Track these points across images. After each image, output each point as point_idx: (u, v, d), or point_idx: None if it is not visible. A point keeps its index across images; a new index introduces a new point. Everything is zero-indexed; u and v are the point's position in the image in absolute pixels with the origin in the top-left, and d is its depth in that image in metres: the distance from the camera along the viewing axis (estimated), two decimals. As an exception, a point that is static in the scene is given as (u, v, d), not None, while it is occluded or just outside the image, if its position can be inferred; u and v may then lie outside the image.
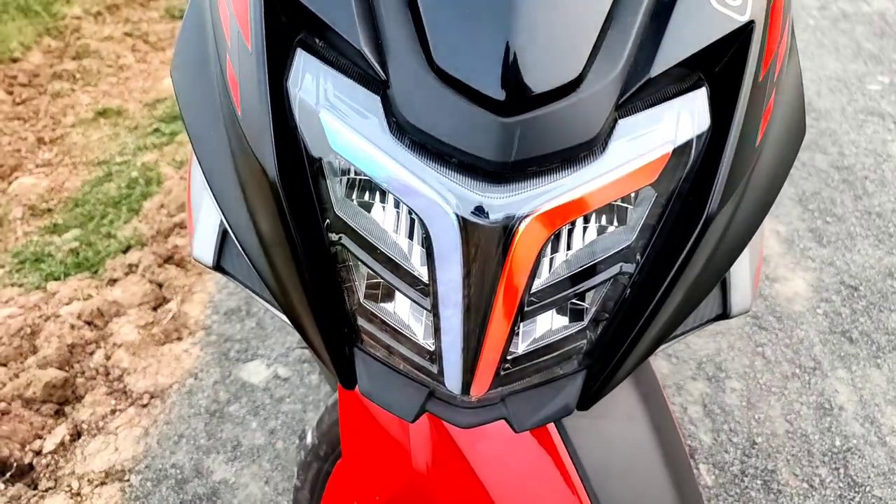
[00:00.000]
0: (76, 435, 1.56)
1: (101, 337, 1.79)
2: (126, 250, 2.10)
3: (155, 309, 1.92)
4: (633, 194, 0.48)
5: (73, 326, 1.79)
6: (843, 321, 1.76)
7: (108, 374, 1.70)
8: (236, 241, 0.60)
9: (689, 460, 0.75)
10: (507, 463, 0.66)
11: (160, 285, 2.00)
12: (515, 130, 0.41)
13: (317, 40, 0.47)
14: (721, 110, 0.47)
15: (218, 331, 1.83)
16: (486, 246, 0.44)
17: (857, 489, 1.39)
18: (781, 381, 1.62)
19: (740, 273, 0.67)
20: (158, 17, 3.62)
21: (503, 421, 0.68)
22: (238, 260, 0.67)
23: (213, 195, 0.60)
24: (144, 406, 1.62)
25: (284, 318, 0.67)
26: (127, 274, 2.02)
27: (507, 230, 0.43)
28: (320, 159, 0.48)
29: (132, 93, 3.02)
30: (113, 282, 1.99)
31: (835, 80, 2.89)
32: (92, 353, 1.75)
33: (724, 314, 0.69)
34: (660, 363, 1.66)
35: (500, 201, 0.43)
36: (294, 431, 1.55)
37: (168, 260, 2.09)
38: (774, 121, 0.53)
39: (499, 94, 0.40)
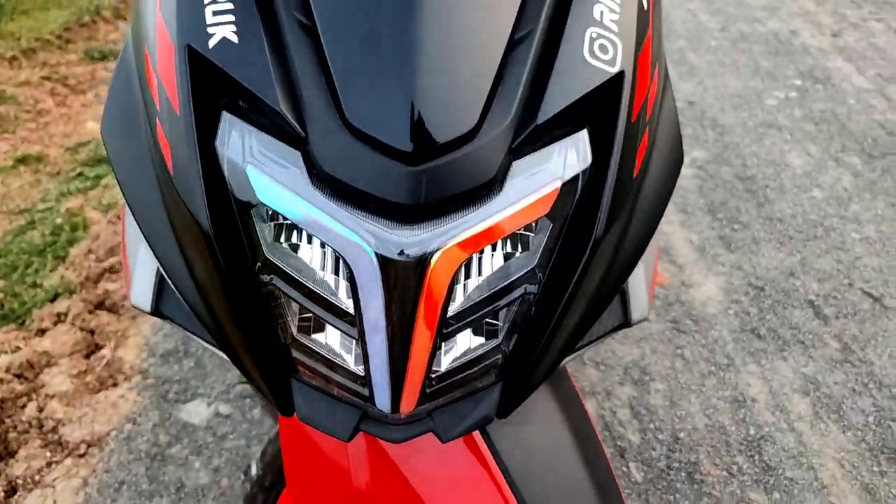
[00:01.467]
0: (11, 491, 1.52)
1: (33, 389, 1.75)
2: (54, 299, 2.06)
3: (87, 356, 1.89)
4: (533, 223, 0.54)
5: (1, 381, 1.74)
6: (752, 319, 1.90)
7: (41, 426, 1.66)
8: (174, 287, 0.64)
9: (608, 460, 0.83)
10: (440, 472, 0.71)
11: (92, 332, 1.97)
12: (423, 177, 0.47)
13: (240, 103, 0.53)
14: (601, 148, 0.54)
15: (155, 373, 1.82)
16: (404, 279, 0.50)
17: (770, 473, 1.51)
18: (700, 379, 1.73)
19: (636, 285, 0.75)
20: (77, 60, 3.57)
21: (433, 434, 0.73)
22: (176, 304, 0.70)
23: (150, 245, 0.64)
24: (82, 456, 1.60)
25: (223, 355, 0.71)
26: (56, 323, 1.98)
27: (422, 263, 0.49)
28: (249, 209, 0.53)
29: (53, 138, 2.96)
30: (42, 332, 1.94)
31: (736, 98, 3.11)
32: (23, 407, 1.71)
33: (626, 322, 0.77)
34: (589, 371, 1.76)
35: (414, 239, 0.49)
36: (239, 467, 1.56)
37: (99, 306, 2.06)
38: (652, 154, 0.61)
39: (406, 147, 0.46)
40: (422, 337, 0.54)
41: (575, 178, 0.53)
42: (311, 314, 0.58)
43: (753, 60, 3.45)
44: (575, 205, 0.55)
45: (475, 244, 0.51)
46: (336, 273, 0.54)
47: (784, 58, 3.45)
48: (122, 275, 2.17)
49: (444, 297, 0.52)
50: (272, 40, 0.51)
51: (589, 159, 0.54)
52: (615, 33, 0.55)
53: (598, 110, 0.54)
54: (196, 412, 1.70)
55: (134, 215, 0.65)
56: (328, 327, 0.58)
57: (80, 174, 2.72)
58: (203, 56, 0.50)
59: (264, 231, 0.54)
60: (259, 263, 0.55)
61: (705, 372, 1.75)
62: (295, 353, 0.60)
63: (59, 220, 2.42)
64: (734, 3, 4.14)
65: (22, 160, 2.78)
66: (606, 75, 0.53)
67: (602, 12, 0.55)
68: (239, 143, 0.52)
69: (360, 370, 0.58)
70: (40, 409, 1.70)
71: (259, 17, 0.51)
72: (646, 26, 0.59)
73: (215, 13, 0.52)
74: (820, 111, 2.95)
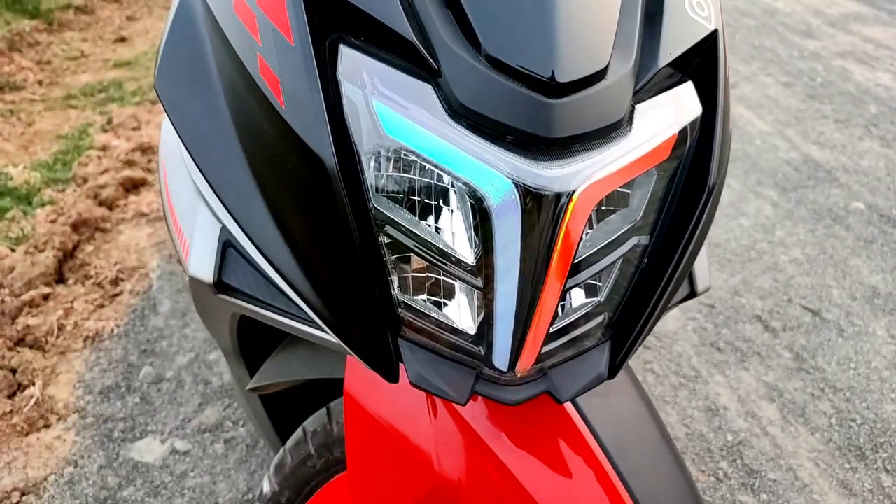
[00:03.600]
0: (-74, 553, 1.28)
1: (-54, 434, 1.51)
2: (-35, 336, 1.81)
3: (11, 397, 1.66)
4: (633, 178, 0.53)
5: None
6: (709, 334, 1.98)
7: (-40, 475, 1.43)
8: (255, 247, 0.58)
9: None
10: (536, 451, 0.66)
11: (13, 371, 1.74)
12: (562, 110, 0.46)
13: (352, 38, 0.50)
14: (706, 99, 0.55)
15: (94, 412, 1.62)
16: (543, 216, 0.47)
17: (754, 475, 1.53)
18: (672, 391, 1.76)
19: (700, 256, 0.75)
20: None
21: (525, 414, 0.69)
22: (242, 271, 0.64)
23: (221, 199, 0.58)
24: (14, 506, 1.38)
25: (300, 325, 0.64)
26: (-31, 362, 1.73)
27: (561, 201, 0.47)
28: (364, 149, 0.49)
29: (-51, 166, 2.67)
30: (-47, 371, 1.70)
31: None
32: (-64, 454, 1.46)
33: (692, 293, 0.77)
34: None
35: (554, 172, 0.47)
36: (206, 506, 1.40)
37: (20, 342, 1.83)
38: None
39: (547, 79, 0.45)
40: (553, 283, 0.51)
41: (686, 127, 0.54)
42: (420, 269, 0.54)
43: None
44: (687, 152, 0.55)
45: (609, 184, 0.50)
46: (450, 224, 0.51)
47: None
48: (52, 305, 1.96)
49: (579, 238, 0.50)
50: None
51: (699, 109, 0.55)
52: None
53: (700, 63, 0.56)
54: (148, 450, 1.52)
55: (201, 168, 0.60)
56: (442, 282, 0.54)
57: (-20, 206, 2.46)
58: None
59: (381, 177, 0.50)
60: (371, 208, 0.51)
61: (676, 384, 1.78)
62: (402, 313, 0.55)
63: (-37, 253, 2.16)
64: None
65: (-86, 189, 2.47)
66: (706, 30, 0.55)
67: None
68: (359, 77, 0.49)
69: (472, 328, 0.55)
70: (-43, 457, 1.46)
71: None
72: None
73: None
74: (732, 150, 3.19)
